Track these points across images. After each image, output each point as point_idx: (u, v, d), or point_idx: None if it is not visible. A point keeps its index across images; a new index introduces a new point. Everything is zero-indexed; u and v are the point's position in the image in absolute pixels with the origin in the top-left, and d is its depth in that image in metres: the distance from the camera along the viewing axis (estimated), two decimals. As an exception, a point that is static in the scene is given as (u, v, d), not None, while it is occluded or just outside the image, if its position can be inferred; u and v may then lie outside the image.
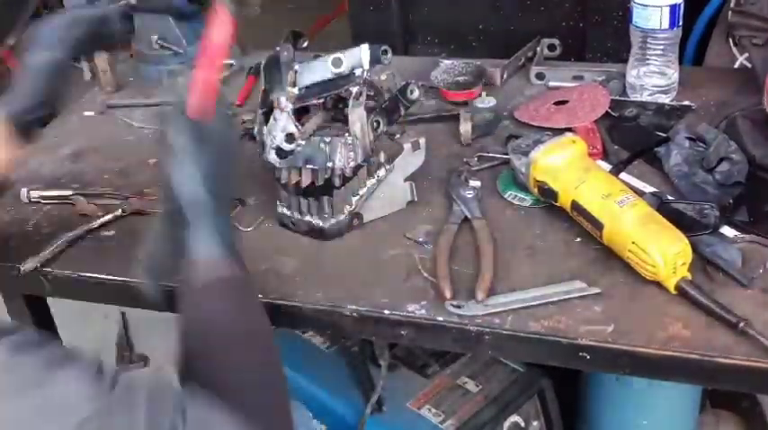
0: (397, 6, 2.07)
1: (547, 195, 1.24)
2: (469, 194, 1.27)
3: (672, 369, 1.01)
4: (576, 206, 1.19)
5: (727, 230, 1.18)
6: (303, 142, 1.20)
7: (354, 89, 1.19)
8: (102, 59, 1.74)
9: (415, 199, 1.31)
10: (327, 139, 1.20)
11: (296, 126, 1.20)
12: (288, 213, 1.27)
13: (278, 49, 1.25)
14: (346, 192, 1.24)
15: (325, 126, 1.26)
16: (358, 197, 1.24)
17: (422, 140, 1.28)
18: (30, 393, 0.71)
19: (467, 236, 1.24)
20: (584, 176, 1.19)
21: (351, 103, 1.19)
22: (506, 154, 1.36)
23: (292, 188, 1.24)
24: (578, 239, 1.20)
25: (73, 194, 1.41)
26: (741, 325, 1.01)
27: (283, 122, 1.20)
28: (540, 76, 1.64)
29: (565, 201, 1.21)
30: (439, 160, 1.43)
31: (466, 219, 1.26)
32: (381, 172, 1.25)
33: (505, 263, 1.17)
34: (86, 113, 1.71)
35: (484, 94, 1.55)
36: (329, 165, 1.21)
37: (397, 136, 1.29)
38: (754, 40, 1.49)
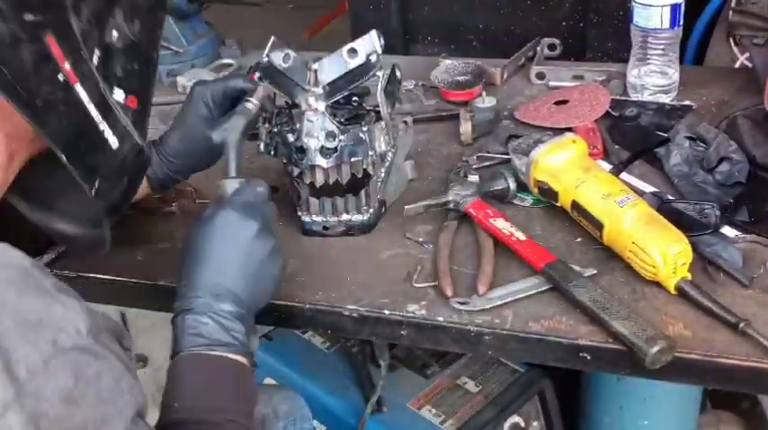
0: (397, 6, 2.07)
1: (547, 195, 1.24)
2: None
3: (672, 369, 1.01)
4: (576, 206, 1.19)
5: (728, 230, 1.18)
6: (343, 137, 1.21)
7: (380, 73, 1.22)
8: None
9: (416, 176, 1.37)
10: (365, 128, 1.22)
11: (333, 123, 1.21)
12: (320, 220, 1.26)
13: (265, 59, 1.24)
14: (374, 183, 1.26)
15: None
16: (380, 184, 1.27)
17: (409, 119, 1.36)
18: (37, 298, 0.74)
19: (466, 235, 1.24)
20: (584, 176, 1.19)
21: (380, 86, 1.21)
22: (506, 153, 1.36)
23: (328, 189, 1.24)
24: (578, 239, 1.20)
25: (72, 194, 1.41)
26: (741, 325, 1.01)
27: (320, 122, 1.21)
28: (540, 76, 1.64)
29: (565, 200, 1.21)
30: (439, 160, 1.43)
31: (465, 217, 1.26)
32: (389, 155, 1.28)
33: (505, 262, 1.17)
34: (86, 113, 1.71)
35: (484, 93, 1.55)
36: (371, 153, 1.23)
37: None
38: (755, 40, 1.49)
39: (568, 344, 1.05)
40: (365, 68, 1.22)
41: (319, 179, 1.23)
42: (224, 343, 0.95)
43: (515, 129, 1.48)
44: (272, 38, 1.25)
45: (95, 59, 0.92)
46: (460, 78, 1.62)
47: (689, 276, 1.08)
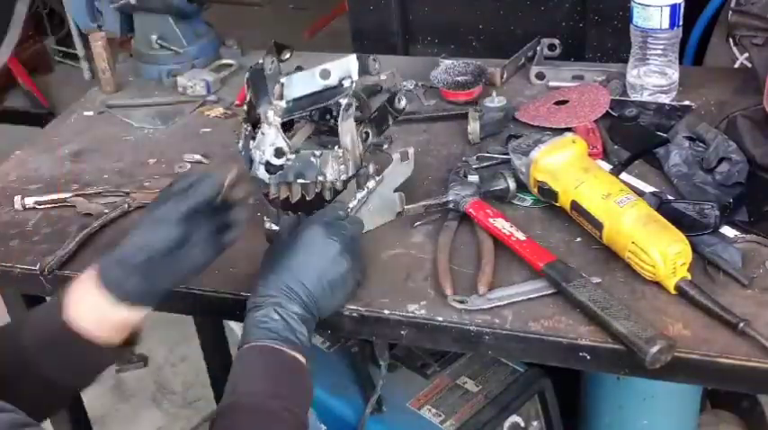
0: (397, 6, 2.07)
1: (547, 195, 1.24)
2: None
3: (672, 369, 1.01)
4: (575, 206, 1.19)
5: (728, 230, 1.18)
6: (293, 156, 1.17)
7: (344, 101, 1.17)
8: (101, 59, 1.74)
9: (405, 209, 1.28)
10: (318, 153, 1.17)
11: (285, 140, 1.17)
12: (277, 229, 1.22)
13: (261, 61, 1.22)
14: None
15: (312, 138, 1.24)
16: (348, 210, 1.21)
17: (410, 150, 1.25)
18: None
19: (466, 235, 1.24)
20: (583, 177, 1.19)
21: (341, 114, 1.16)
22: (506, 153, 1.36)
23: (282, 203, 1.20)
24: (578, 239, 1.20)
25: (71, 197, 1.41)
26: (741, 325, 1.01)
27: (272, 137, 1.17)
28: (540, 76, 1.64)
29: (564, 201, 1.21)
30: (439, 160, 1.43)
31: (465, 217, 1.26)
32: (371, 183, 1.23)
33: (505, 263, 1.17)
34: (86, 113, 1.71)
35: (494, 93, 1.54)
36: (320, 179, 1.18)
37: (385, 146, 1.27)
38: (755, 40, 1.49)
39: (568, 344, 1.05)
40: (335, 92, 1.18)
41: (272, 192, 1.19)
42: (290, 340, 1.02)
43: (515, 130, 1.48)
44: (273, 41, 1.24)
45: None
46: (460, 78, 1.61)
47: (689, 276, 1.08)
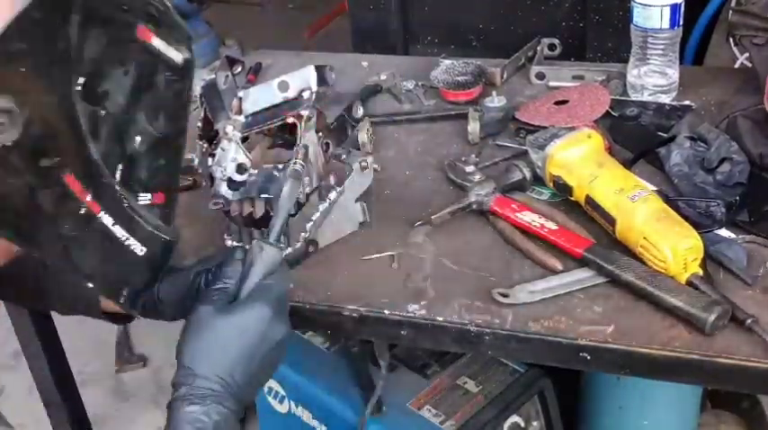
0: (397, 6, 2.06)
1: (562, 190, 1.24)
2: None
3: (672, 369, 1.01)
4: (589, 201, 1.19)
5: (727, 231, 1.18)
6: (255, 171, 1.16)
7: (305, 112, 1.15)
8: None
9: (368, 219, 1.27)
10: (281, 166, 1.15)
11: (246, 155, 1.16)
12: (237, 244, 1.19)
13: (213, 76, 1.20)
14: (300, 219, 1.19)
15: (268, 152, 1.23)
16: (311, 223, 1.19)
17: (369, 159, 1.24)
18: None
19: (467, 234, 1.24)
20: (597, 171, 1.19)
21: (303, 126, 1.15)
22: (507, 158, 1.36)
23: (244, 220, 1.18)
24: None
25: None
26: (748, 321, 1.01)
27: (232, 152, 1.15)
28: (540, 76, 1.64)
29: (579, 195, 1.21)
30: (439, 160, 1.43)
31: (482, 213, 1.26)
32: (332, 195, 1.20)
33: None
34: (86, 113, 1.71)
35: (494, 93, 1.54)
36: None
37: (343, 157, 1.25)
38: (755, 40, 1.49)
39: (568, 344, 1.05)
40: (294, 104, 1.16)
41: (234, 209, 1.17)
42: None
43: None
44: (224, 56, 1.22)
45: (118, 175, 0.84)
46: (460, 78, 1.61)
47: (700, 272, 1.08)
